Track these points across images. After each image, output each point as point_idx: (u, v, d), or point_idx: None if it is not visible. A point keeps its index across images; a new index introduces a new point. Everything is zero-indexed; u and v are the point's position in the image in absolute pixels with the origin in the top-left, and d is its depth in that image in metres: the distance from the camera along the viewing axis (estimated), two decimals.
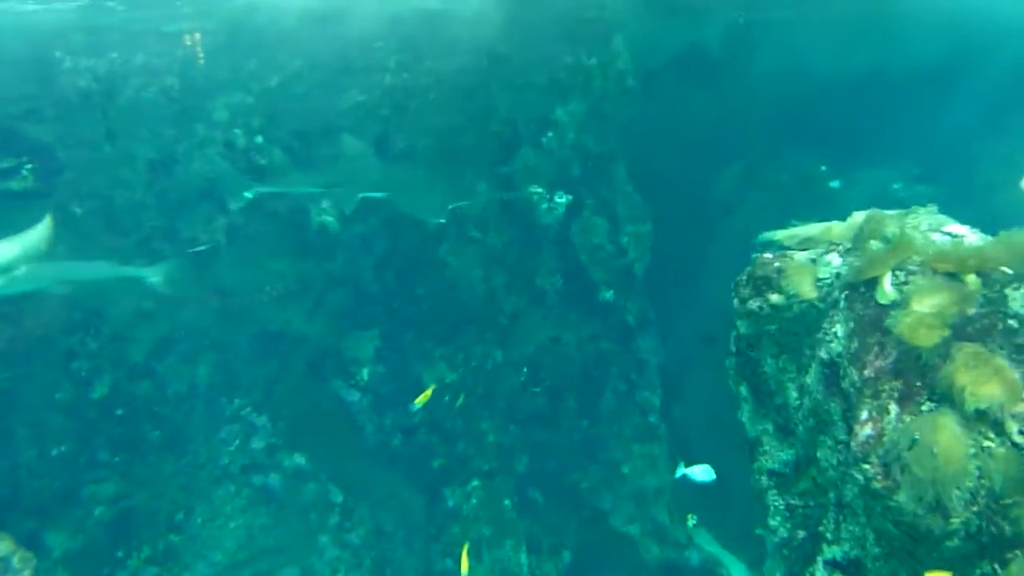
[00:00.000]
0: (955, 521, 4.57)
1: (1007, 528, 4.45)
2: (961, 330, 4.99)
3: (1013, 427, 4.60)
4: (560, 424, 14.31)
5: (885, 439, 4.90)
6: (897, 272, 5.44)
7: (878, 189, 15.85)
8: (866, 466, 4.96)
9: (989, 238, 5.58)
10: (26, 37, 14.06)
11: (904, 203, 6.28)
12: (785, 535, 6.44)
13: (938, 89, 17.05)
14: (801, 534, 6.30)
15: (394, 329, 14.55)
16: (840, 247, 6.21)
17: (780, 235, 6.49)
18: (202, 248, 12.84)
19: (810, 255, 6.30)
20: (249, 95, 13.51)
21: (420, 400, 11.97)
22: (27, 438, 12.74)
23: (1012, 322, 4.96)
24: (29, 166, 12.66)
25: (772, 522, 6.57)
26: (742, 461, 7.20)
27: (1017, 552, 4.43)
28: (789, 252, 6.40)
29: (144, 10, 13.08)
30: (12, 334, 12.44)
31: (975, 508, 4.55)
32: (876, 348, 5.23)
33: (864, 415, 5.09)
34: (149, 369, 13.54)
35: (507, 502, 13.87)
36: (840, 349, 5.52)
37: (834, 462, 5.64)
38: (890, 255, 5.48)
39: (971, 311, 5.05)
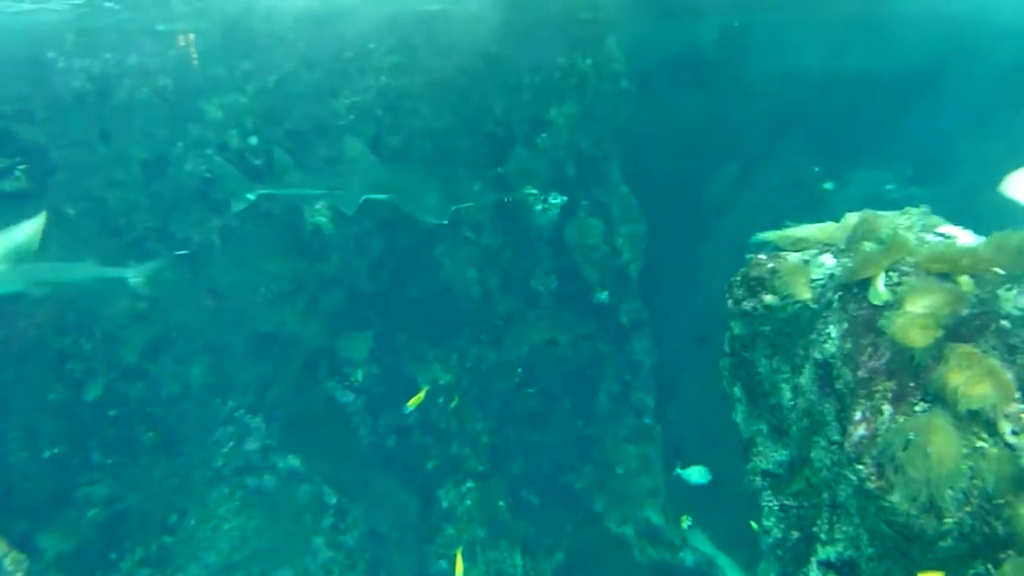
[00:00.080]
0: (948, 521, 4.58)
1: (1000, 528, 4.46)
2: (954, 331, 5.00)
3: (1006, 427, 4.62)
4: (554, 425, 14.31)
5: (879, 439, 4.91)
6: (890, 273, 5.45)
7: (871, 190, 15.90)
8: (860, 466, 4.97)
9: (982, 239, 5.60)
10: (19, 37, 14.03)
11: (897, 204, 6.29)
12: (779, 536, 6.45)
13: (929, 91, 17.09)
14: (795, 535, 6.31)
15: (388, 330, 14.55)
16: (834, 248, 6.22)
17: (774, 236, 6.50)
18: (183, 253, 12.78)
19: (804, 256, 6.30)
20: (243, 95, 13.49)
21: (413, 402, 11.96)
22: (19, 440, 12.70)
23: (1005, 323, 4.98)
24: (22, 167, 12.63)
25: (766, 523, 6.57)
26: (736, 462, 7.21)
27: (1010, 552, 4.44)
28: (783, 253, 6.41)
29: (140, 11, 13.03)
30: (4, 335, 12.41)
31: (968, 508, 4.56)
32: (870, 349, 5.24)
33: (858, 416, 5.10)
34: (142, 370, 13.51)
35: (501, 503, 13.88)
36: (834, 350, 5.54)
37: (828, 463, 5.65)
38: (883, 256, 5.49)
39: (964, 312, 5.06)
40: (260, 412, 14.12)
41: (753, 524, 6.83)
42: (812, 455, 5.91)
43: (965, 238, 5.80)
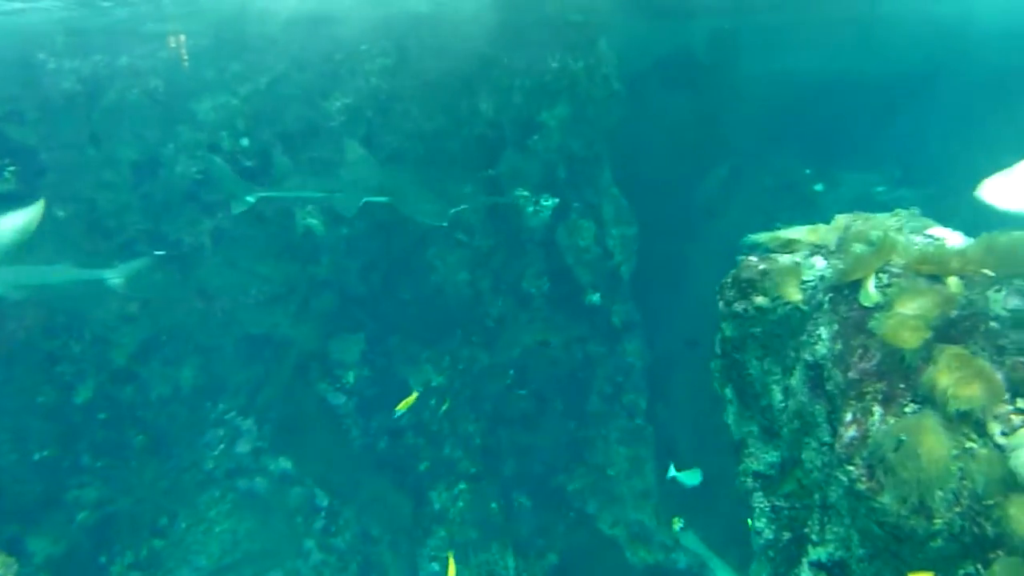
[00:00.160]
0: (938, 522, 4.60)
1: (989, 529, 4.48)
2: (944, 332, 5.02)
3: (995, 428, 4.64)
4: (546, 427, 14.31)
5: (869, 441, 4.93)
6: (880, 275, 5.47)
7: (861, 192, 15.96)
8: (851, 468, 4.99)
9: (971, 241, 5.62)
10: (9, 38, 13.97)
11: (887, 206, 6.32)
12: (771, 537, 6.46)
13: (919, 93, 17.18)
14: (786, 536, 6.32)
15: (380, 332, 14.52)
16: (824, 250, 6.23)
17: (765, 238, 6.51)
18: (162, 253, 12.72)
19: (794, 258, 6.32)
20: (234, 97, 13.45)
21: (403, 405, 11.93)
22: (9, 443, 12.63)
23: (994, 324, 4.99)
24: (11, 168, 12.56)
25: (758, 524, 6.58)
26: (728, 463, 7.22)
27: (1000, 552, 4.46)
28: (774, 255, 6.42)
29: (132, 7, 12.97)
30: None
31: (958, 509, 4.58)
32: (860, 350, 5.26)
33: (848, 417, 5.11)
34: (133, 373, 13.45)
35: (493, 505, 13.87)
36: (824, 351, 5.55)
37: (819, 464, 5.66)
38: (874, 258, 5.51)
39: (953, 313, 5.08)
40: (251, 414, 14.08)
41: (750, 522, 6.84)
42: (803, 456, 5.93)
43: (954, 240, 5.83)
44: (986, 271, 5.21)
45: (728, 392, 7.10)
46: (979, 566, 4.55)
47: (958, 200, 5.65)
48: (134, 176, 13.35)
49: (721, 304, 6.62)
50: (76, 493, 12.89)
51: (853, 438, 5.03)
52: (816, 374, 5.65)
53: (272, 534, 13.58)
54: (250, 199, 12.50)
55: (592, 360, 14.54)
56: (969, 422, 4.68)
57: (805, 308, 5.96)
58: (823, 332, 5.60)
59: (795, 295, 6.01)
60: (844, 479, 5.04)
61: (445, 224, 12.54)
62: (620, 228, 14.38)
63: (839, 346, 5.40)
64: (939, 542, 4.65)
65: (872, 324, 5.21)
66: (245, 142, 13.40)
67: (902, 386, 5.00)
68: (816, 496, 5.82)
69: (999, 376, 4.74)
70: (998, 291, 5.08)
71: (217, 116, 13.40)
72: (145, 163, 13.37)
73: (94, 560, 12.76)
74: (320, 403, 14.28)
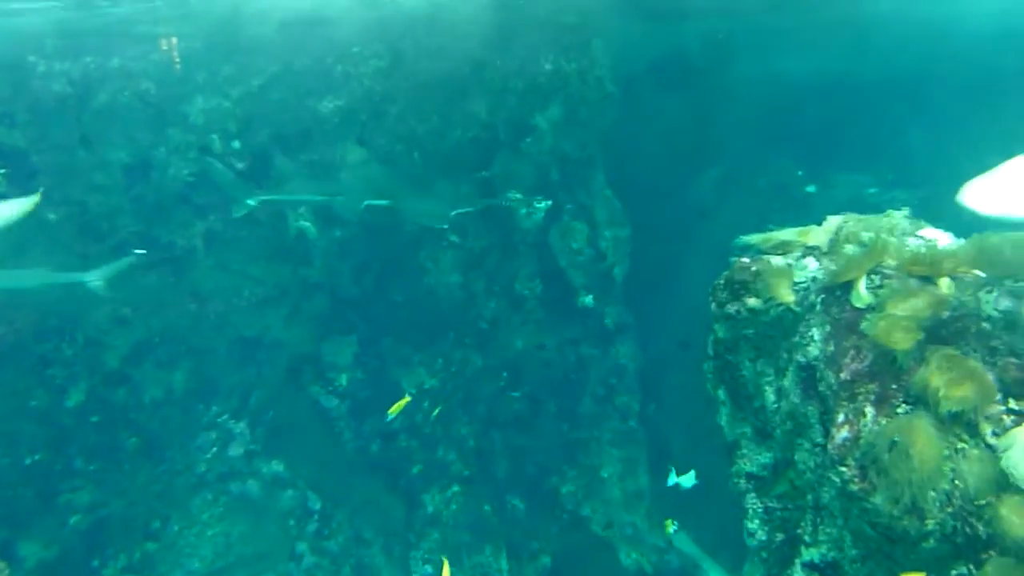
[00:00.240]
0: (931, 522, 4.61)
1: (981, 529, 4.49)
2: (935, 333, 5.03)
3: (987, 429, 4.65)
4: (540, 429, 14.30)
5: (862, 442, 4.93)
6: (872, 276, 5.48)
7: (854, 193, 16.01)
8: (843, 468, 4.99)
9: (962, 242, 5.63)
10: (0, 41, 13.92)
11: (879, 207, 6.33)
12: (764, 538, 6.46)
13: (911, 95, 17.24)
14: (779, 537, 6.33)
15: (373, 334, 14.50)
16: (816, 251, 6.24)
17: (757, 239, 6.51)
18: (142, 252, 12.65)
19: (787, 259, 6.32)
20: (226, 99, 13.42)
21: (394, 409, 11.90)
22: (0, 447, 12.56)
23: (985, 325, 5.01)
24: (2, 171, 12.49)
25: (750, 525, 6.58)
26: (721, 464, 7.22)
27: (992, 553, 4.46)
28: (766, 256, 6.43)
29: (125, 6, 12.94)
30: None
31: (950, 509, 4.58)
32: (852, 351, 5.27)
33: (841, 418, 5.12)
34: (125, 376, 13.41)
35: (487, 507, 13.85)
36: (817, 352, 5.56)
37: (811, 465, 5.67)
38: (865, 259, 5.52)
39: (945, 314, 5.09)
40: (244, 417, 14.04)
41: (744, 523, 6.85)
42: (796, 457, 5.93)
43: (946, 241, 5.84)
44: (977, 272, 5.22)
45: (721, 393, 7.10)
46: (971, 567, 4.56)
47: (950, 201, 5.65)
48: (126, 178, 13.31)
49: (714, 306, 6.63)
50: (68, 497, 12.83)
51: (845, 439, 5.03)
52: (808, 375, 5.65)
53: (265, 537, 13.54)
54: (251, 202, 12.50)
55: (585, 362, 14.55)
56: (961, 423, 4.69)
57: (797, 309, 5.96)
58: (815, 333, 5.61)
59: (787, 296, 6.02)
60: (837, 480, 5.05)
61: (447, 226, 12.56)
62: (613, 230, 14.39)
63: (831, 347, 5.40)
64: (931, 543, 4.66)
65: (864, 325, 5.22)
66: (237, 144, 13.37)
67: (894, 387, 5.01)
68: (809, 497, 5.83)
69: (990, 377, 4.75)
70: (989, 292, 5.09)
71: (208, 118, 13.36)
72: (137, 165, 13.33)
73: (87, 564, 12.70)
74: (313, 406, 14.26)
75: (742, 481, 6.78)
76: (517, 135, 13.72)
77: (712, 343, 6.95)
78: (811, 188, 16.33)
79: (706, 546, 13.36)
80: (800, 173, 16.69)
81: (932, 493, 4.59)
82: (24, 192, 12.57)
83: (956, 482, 4.58)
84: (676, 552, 13.54)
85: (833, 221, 6.35)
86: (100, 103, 13.17)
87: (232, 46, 13.49)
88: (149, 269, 13.23)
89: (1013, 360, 4.81)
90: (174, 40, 13.65)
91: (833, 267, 5.74)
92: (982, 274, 5.20)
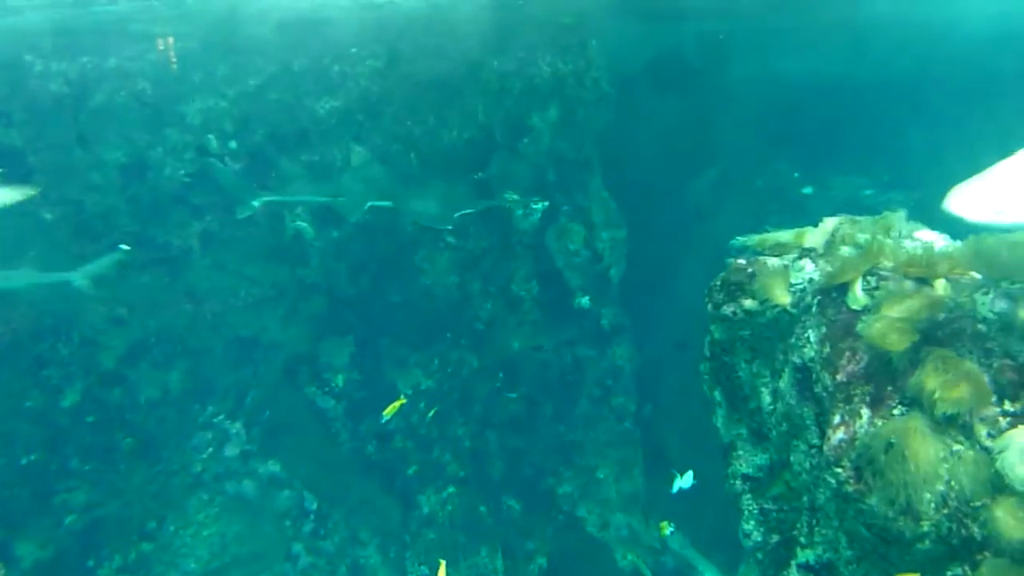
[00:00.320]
0: (926, 524, 4.61)
1: (976, 531, 4.49)
2: (931, 335, 5.04)
3: (982, 430, 4.65)
4: (536, 430, 14.31)
5: (857, 443, 4.94)
6: (868, 278, 5.49)
7: (850, 195, 16.02)
8: (838, 470, 5.00)
9: (959, 243, 5.64)
10: None
11: (875, 209, 6.33)
12: (759, 539, 6.47)
13: (909, 97, 17.26)
14: (775, 538, 6.33)
15: (369, 335, 14.49)
16: (812, 253, 6.25)
17: (753, 241, 6.52)
18: (127, 248, 12.61)
19: (783, 261, 6.33)
20: (223, 100, 13.40)
21: (389, 411, 11.89)
22: None
23: (981, 326, 5.01)
24: None
25: (746, 526, 6.59)
26: (716, 466, 7.23)
27: (987, 554, 4.47)
28: (762, 258, 6.43)
29: (121, 5, 12.91)
30: None
31: (945, 511, 4.59)
32: (848, 353, 5.27)
33: (836, 419, 5.12)
34: (121, 376, 13.39)
35: (483, 508, 13.85)
36: (813, 354, 5.56)
37: (807, 466, 5.68)
38: (861, 261, 5.52)
39: (941, 316, 5.09)
40: (240, 418, 14.03)
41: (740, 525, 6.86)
42: (791, 459, 5.94)
43: (942, 243, 5.85)
44: (973, 274, 5.23)
45: (717, 395, 7.11)
46: (966, 568, 4.56)
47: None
48: (122, 178, 13.27)
49: (710, 307, 6.63)
50: (64, 497, 12.81)
51: (841, 440, 5.04)
52: (804, 377, 5.66)
53: (260, 537, 13.53)
54: (255, 203, 12.50)
55: (581, 363, 14.55)
56: (956, 424, 4.69)
57: (793, 311, 5.97)
58: (811, 335, 5.61)
59: (783, 298, 6.02)
60: (832, 481, 5.05)
61: (449, 227, 12.56)
62: (610, 231, 14.39)
63: (827, 349, 5.41)
64: (926, 544, 4.66)
65: (860, 327, 5.22)
66: (233, 144, 13.35)
67: (890, 389, 5.01)
68: (804, 498, 5.84)
69: (986, 378, 4.76)
70: (985, 294, 5.10)
71: (206, 118, 13.34)
72: (133, 165, 13.29)
73: (82, 564, 12.68)
74: (309, 406, 14.25)
75: (738, 482, 6.80)
76: (514, 136, 13.71)
77: (708, 344, 6.96)
78: (808, 190, 16.35)
79: (702, 547, 13.37)
80: (797, 175, 16.70)
81: (927, 495, 4.60)
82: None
83: (951, 484, 4.59)
84: (672, 554, 13.54)
85: (829, 223, 6.36)
86: (97, 103, 13.13)
87: (229, 46, 13.46)
88: (145, 269, 13.22)
89: (1008, 362, 4.82)
90: (171, 40, 13.62)
91: (829, 269, 5.75)
92: (978, 276, 5.21)
